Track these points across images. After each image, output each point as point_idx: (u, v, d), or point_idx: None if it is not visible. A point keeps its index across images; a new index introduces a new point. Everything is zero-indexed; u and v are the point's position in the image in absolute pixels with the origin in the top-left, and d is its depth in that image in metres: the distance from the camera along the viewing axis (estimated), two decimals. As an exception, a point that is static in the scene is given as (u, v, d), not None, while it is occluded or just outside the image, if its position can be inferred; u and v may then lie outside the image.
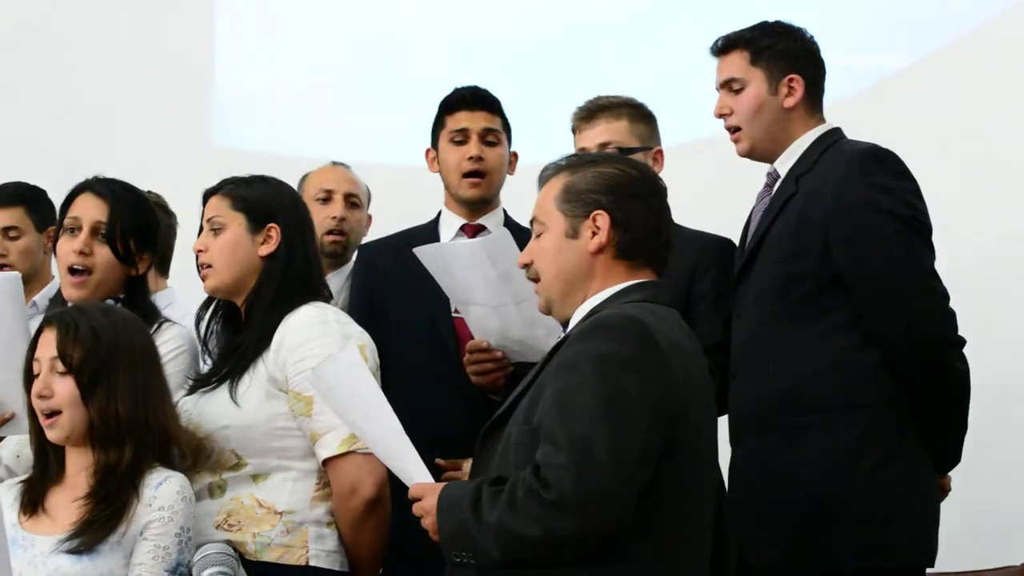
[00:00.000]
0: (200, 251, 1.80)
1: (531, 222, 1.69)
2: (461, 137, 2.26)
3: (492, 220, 2.28)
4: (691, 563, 1.59)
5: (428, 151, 2.34)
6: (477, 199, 2.27)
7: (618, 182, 1.63)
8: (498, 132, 2.29)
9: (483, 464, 1.62)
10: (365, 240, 2.58)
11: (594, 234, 1.57)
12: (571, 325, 1.62)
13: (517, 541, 1.48)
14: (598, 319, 1.57)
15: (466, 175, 2.25)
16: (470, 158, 2.24)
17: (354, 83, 5.24)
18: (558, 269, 1.60)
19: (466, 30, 4.89)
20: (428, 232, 2.29)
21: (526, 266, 1.69)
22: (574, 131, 2.20)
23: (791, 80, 1.95)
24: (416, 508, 1.56)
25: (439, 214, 2.33)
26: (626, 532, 1.48)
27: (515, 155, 2.35)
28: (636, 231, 1.59)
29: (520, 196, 2.36)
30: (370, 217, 2.66)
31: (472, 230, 2.27)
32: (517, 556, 1.49)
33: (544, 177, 1.71)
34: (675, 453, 1.52)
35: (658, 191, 1.67)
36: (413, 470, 1.60)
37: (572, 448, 1.45)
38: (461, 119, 2.27)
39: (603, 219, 1.57)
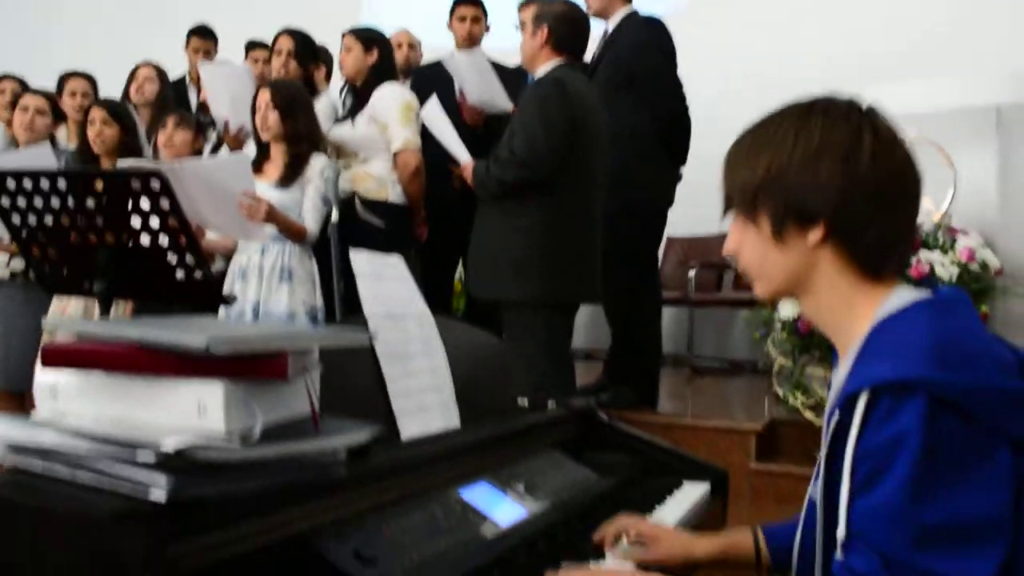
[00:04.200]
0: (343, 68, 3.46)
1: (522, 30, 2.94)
2: (461, 17, 3.96)
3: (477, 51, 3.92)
4: (585, 197, 2.73)
5: (449, 23, 4.00)
6: (468, 45, 3.96)
7: (560, 13, 2.81)
8: (479, 16, 3.97)
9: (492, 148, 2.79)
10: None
11: (542, 38, 2.79)
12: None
13: (502, 181, 2.65)
14: (540, 79, 2.76)
15: (464, 36, 3.95)
16: (467, 31, 3.95)
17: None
18: (525, 56, 2.89)
19: None
20: (448, 57, 3.92)
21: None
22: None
23: None
24: (464, 172, 2.85)
25: (453, 52, 3.99)
26: (553, 179, 2.62)
27: (488, 26, 4.03)
28: (563, 32, 2.78)
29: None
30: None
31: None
32: (505, 191, 2.66)
33: (522, 4, 3.00)
34: (577, 140, 2.64)
35: (584, 18, 2.85)
36: (462, 155, 2.91)
37: (526, 133, 2.60)
38: (463, 10, 3.97)
39: (543, 33, 2.77)
